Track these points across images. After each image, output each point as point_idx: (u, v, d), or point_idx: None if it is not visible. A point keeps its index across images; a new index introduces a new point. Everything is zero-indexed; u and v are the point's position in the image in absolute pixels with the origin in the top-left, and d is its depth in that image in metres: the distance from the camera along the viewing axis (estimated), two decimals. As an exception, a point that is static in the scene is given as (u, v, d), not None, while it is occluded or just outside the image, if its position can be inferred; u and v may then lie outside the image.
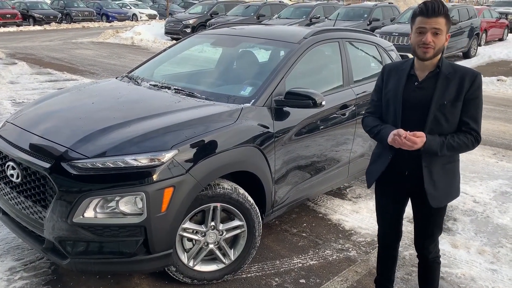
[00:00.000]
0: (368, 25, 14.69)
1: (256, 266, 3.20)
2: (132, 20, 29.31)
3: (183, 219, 2.66)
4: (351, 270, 3.22)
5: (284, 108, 3.22)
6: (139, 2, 36.12)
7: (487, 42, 16.65)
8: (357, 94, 3.93)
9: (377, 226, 3.88)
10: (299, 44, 3.56)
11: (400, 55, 13.14)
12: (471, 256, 3.47)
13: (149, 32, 20.88)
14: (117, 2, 33.23)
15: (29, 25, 25.48)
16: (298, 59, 3.47)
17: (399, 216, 2.60)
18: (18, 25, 24.61)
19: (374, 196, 4.47)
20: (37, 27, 24.75)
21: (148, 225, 2.44)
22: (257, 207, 2.95)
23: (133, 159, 2.44)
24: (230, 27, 4.25)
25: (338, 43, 3.96)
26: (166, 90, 3.31)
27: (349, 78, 3.94)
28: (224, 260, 2.91)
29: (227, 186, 2.79)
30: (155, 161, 2.45)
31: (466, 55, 14.04)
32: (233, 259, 2.93)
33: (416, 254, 2.63)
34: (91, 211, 2.42)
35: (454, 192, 2.38)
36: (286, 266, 3.23)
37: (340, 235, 3.75)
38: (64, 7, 28.36)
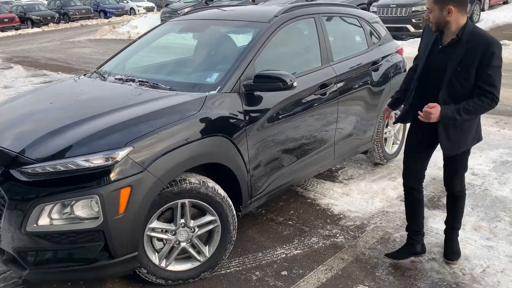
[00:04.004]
0: (365, -2, 14.30)
1: (237, 260, 3.06)
2: (130, 14, 29.10)
3: (149, 219, 2.52)
4: (337, 258, 3.06)
5: (255, 93, 3.04)
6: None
7: (491, 6, 16.09)
8: (339, 72, 3.72)
9: (367, 208, 3.76)
10: (269, 23, 3.35)
11: (398, 27, 12.72)
12: (466, 233, 3.28)
13: (146, 25, 20.62)
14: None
15: (28, 27, 25.50)
16: (269, 39, 3.27)
17: (423, 161, 2.89)
18: (16, 29, 24.64)
19: (366, 176, 4.34)
20: (36, 29, 24.73)
21: (106, 229, 2.31)
22: (229, 200, 2.80)
23: (84, 160, 2.29)
24: (200, 11, 4.05)
25: (314, 19, 3.74)
26: (131, 83, 3.15)
27: (327, 55, 3.73)
28: (198, 258, 2.76)
29: (195, 180, 2.64)
30: (108, 161, 2.30)
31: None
32: (208, 256, 2.79)
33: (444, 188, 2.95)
34: (46, 219, 2.29)
35: (469, 141, 2.68)
36: (269, 258, 3.08)
37: (328, 220, 3.58)
38: (61, 7, 28.30)
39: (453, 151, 2.68)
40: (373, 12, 12.43)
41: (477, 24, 13.52)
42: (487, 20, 13.91)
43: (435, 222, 3.47)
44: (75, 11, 27.97)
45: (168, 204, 2.57)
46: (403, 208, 3.63)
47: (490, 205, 3.70)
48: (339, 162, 4.28)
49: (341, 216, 3.64)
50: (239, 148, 2.88)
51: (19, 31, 24.12)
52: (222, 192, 2.74)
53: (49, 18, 26.26)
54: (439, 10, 2.47)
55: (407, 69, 4.38)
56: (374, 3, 12.73)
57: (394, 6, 12.14)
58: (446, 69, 2.50)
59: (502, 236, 3.25)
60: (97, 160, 2.30)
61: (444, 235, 3.09)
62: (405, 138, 2.96)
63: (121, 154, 2.32)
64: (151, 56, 3.73)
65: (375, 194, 3.99)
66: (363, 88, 4.00)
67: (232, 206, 2.82)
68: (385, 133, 4.53)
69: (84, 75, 3.70)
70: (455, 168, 2.82)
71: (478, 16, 13.95)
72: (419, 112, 2.51)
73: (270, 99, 3.11)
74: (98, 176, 2.28)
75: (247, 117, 2.93)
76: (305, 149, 3.52)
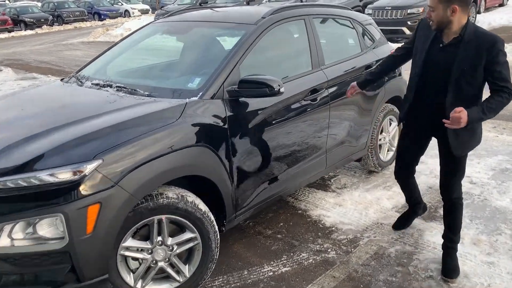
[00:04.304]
0: (360, 0, 14.15)
1: (221, 279, 2.86)
2: (124, 17, 28.85)
3: (122, 237, 2.32)
4: (328, 276, 2.86)
5: (240, 99, 2.84)
6: (131, -2, 35.62)
7: (487, 9, 15.98)
8: (330, 77, 3.53)
9: (361, 220, 3.58)
10: (255, 25, 3.16)
11: (393, 29, 12.52)
12: (465, 247, 3.09)
13: (139, 27, 20.43)
14: (108, -1, 32.82)
15: (21, 30, 25.20)
16: (256, 42, 3.07)
17: (417, 155, 3.00)
18: (9, 31, 24.34)
19: (360, 185, 4.15)
20: (29, 32, 24.45)
21: (72, 250, 2.10)
22: (211, 216, 2.60)
23: (49, 174, 2.09)
24: (186, 13, 3.85)
25: (304, 20, 3.55)
26: (108, 88, 2.94)
27: (318, 59, 3.53)
28: (178, 278, 2.56)
29: (172, 195, 2.44)
30: (75, 175, 2.09)
31: (465, 24, 13.44)
32: (188, 276, 2.58)
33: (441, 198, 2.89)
34: (6, 239, 2.08)
35: (475, 142, 2.67)
36: (255, 276, 2.88)
37: (319, 233, 3.38)
38: (55, 9, 28.03)
39: (463, 151, 2.66)
40: (368, 14, 12.29)
41: (474, 27, 13.42)
42: (483, 23, 13.76)
43: (432, 235, 3.28)
44: (69, 14, 27.71)
45: (143, 221, 2.37)
46: (393, 218, 3.48)
47: (489, 217, 3.51)
48: (332, 170, 4.08)
49: (333, 228, 3.44)
50: (222, 158, 2.68)
51: (12, 34, 23.82)
52: (203, 207, 2.54)
53: (42, 20, 25.97)
54: (443, 9, 2.42)
55: (402, 72, 4.24)
56: (369, 5, 12.57)
57: (390, 8, 11.97)
58: (450, 68, 2.47)
59: (503, 251, 3.06)
60: (63, 175, 2.09)
61: (442, 250, 2.92)
62: (400, 132, 3.02)
63: (89, 167, 2.11)
64: (133, 60, 3.53)
65: (369, 204, 3.80)
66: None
67: (214, 222, 2.62)
68: (380, 139, 4.34)
69: (62, 79, 3.50)
70: (454, 171, 2.74)
71: (474, 19, 13.81)
72: (444, 120, 2.42)
73: (257, 105, 2.92)
74: (63, 192, 2.07)
75: (231, 125, 2.73)
76: (295, 158, 3.32)
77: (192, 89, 2.77)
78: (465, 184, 4.03)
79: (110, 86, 2.97)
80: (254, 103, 2.90)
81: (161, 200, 2.39)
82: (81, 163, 2.12)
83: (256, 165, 2.97)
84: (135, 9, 30.39)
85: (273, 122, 3.05)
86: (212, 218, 2.60)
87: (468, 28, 2.46)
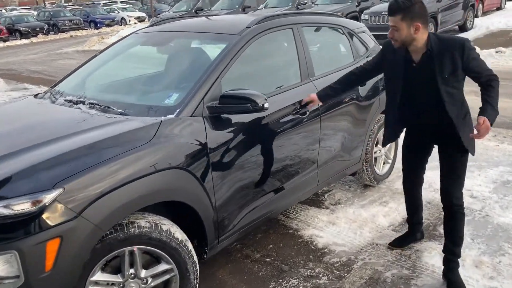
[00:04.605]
0: (356, 6, 13.97)
1: (203, 311, 2.65)
2: (121, 25, 28.72)
3: (90, 271, 2.11)
4: (318, 305, 2.65)
5: (222, 116, 2.64)
6: (128, 6, 35.58)
7: (484, 13, 15.85)
8: (321, 88, 3.33)
9: (355, 240, 3.36)
10: (239, 35, 2.96)
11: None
12: (466, 270, 2.88)
13: (135, 35, 20.27)
14: (104, 8, 32.74)
15: (16, 39, 25.03)
16: (239, 54, 2.88)
17: (422, 164, 2.99)
18: (4, 41, 24.19)
19: (355, 201, 3.94)
20: (24, 41, 24.30)
21: (29, 291, 1.89)
22: (189, 245, 2.38)
23: (2, 206, 1.88)
24: (169, 22, 3.66)
25: (292, 30, 3.36)
26: (80, 105, 2.74)
27: (308, 70, 3.34)
28: (153, 313, 2.34)
29: (145, 223, 2.22)
30: (32, 207, 1.88)
31: (463, 28, 13.27)
32: (164, 310, 2.37)
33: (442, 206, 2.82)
34: (-45, 279, 1.87)
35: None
36: (240, 307, 2.67)
37: (310, 256, 3.17)
38: (50, 18, 27.95)
39: (474, 148, 2.66)
40: (364, 20, 12.12)
41: (471, 31, 13.23)
42: (481, 27, 13.62)
43: (430, 257, 3.07)
44: (65, 22, 27.58)
45: (113, 253, 2.16)
46: (394, 237, 3.27)
47: (492, 235, 3.30)
48: (324, 186, 3.88)
49: (325, 250, 3.23)
50: (202, 181, 2.47)
51: (7, 43, 23.66)
52: (180, 235, 2.33)
53: (38, 29, 25.82)
54: (407, 27, 2.47)
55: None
56: (366, 11, 12.39)
57: (386, 13, 11.75)
58: (434, 81, 2.51)
59: (507, 274, 2.85)
60: (19, 206, 1.88)
61: (442, 269, 2.81)
62: (402, 146, 2.99)
63: (48, 197, 1.90)
64: (111, 73, 3.33)
65: (364, 222, 3.58)
66: (348, 105, 3.62)
67: (193, 252, 2.40)
68: (375, 152, 4.14)
69: (36, 95, 3.30)
70: (456, 174, 2.72)
71: (471, 23, 13.67)
72: (472, 135, 2.49)
73: (241, 122, 2.72)
74: (19, 226, 1.86)
75: (211, 145, 2.53)
76: (284, 175, 3.12)
77: (169, 106, 2.57)
78: (465, 198, 3.78)
79: (83, 102, 2.77)
80: (237, 120, 2.70)
81: (132, 229, 2.18)
82: (39, 192, 1.91)
83: (241, 186, 2.76)
84: (131, 17, 30.27)
85: (259, 139, 2.86)
86: (190, 247, 2.39)
87: (432, 40, 2.51)
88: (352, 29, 3.98)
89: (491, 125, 2.42)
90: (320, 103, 3.16)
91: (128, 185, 2.13)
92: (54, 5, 51.26)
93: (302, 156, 3.24)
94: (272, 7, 16.32)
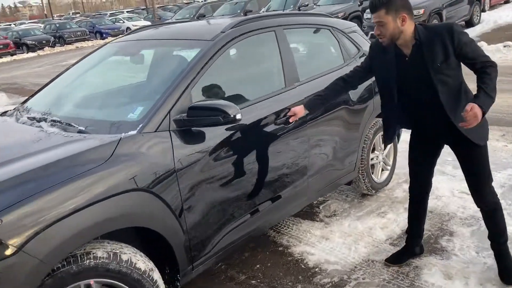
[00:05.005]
0: (359, 5, 13.72)
1: None
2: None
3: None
4: (304, 335, 2.40)
5: (193, 129, 2.42)
6: (134, 15, 35.73)
7: (492, 6, 15.47)
8: (306, 94, 3.09)
9: (349, 257, 3.10)
10: (212, 41, 2.74)
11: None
12: (470, 289, 2.62)
13: (138, 44, 20.22)
14: (110, 18, 32.89)
15: (23, 52, 25.23)
16: (213, 61, 2.66)
17: (430, 168, 2.80)
18: (12, 55, 24.40)
19: (351, 212, 3.69)
20: (31, 54, 24.49)
21: None
22: (154, 275, 2.15)
23: None
24: (144, 31, 3.45)
25: (275, 32, 3.13)
26: (42, 123, 2.54)
27: (292, 75, 3.11)
28: None
29: (102, 254, 2.00)
30: (-36, 243, 1.68)
31: (469, 23, 12.90)
32: None
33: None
34: None
35: (485, 122, 2.47)
36: (218, 338, 2.44)
37: (300, 276, 2.92)
38: (56, 30, 28.13)
39: (485, 136, 2.51)
40: (367, 19, 11.85)
41: (478, 26, 12.86)
42: (488, 21, 13.24)
43: (431, 275, 2.80)
44: (70, 34, 27.74)
45: (67, 288, 1.94)
46: (392, 253, 3.02)
47: (499, 247, 3.02)
48: (316, 199, 3.63)
49: (316, 270, 2.98)
50: (169, 203, 2.25)
51: (14, 57, 23.87)
52: (143, 265, 2.10)
53: (44, 42, 25.99)
54: (393, 20, 2.36)
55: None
56: (368, 10, 12.09)
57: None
58: (426, 72, 2.39)
59: (517, 293, 2.57)
60: (-51, 243, 1.68)
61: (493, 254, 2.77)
62: (408, 148, 2.81)
63: (-18, 232, 1.70)
64: (81, 87, 3.12)
65: (360, 236, 3.33)
66: (339, 110, 3.37)
67: (159, 282, 2.18)
68: (372, 159, 3.88)
69: (4, 113, 3.12)
70: (478, 170, 2.56)
71: (478, 18, 13.29)
72: (460, 124, 2.28)
73: (215, 134, 2.50)
74: None
75: (180, 162, 2.31)
76: (267, 191, 2.88)
77: (132, 121, 2.35)
78: (470, 207, 3.57)
79: (45, 120, 2.57)
80: (211, 133, 2.48)
81: (87, 261, 1.96)
82: (-28, 226, 1.70)
83: (217, 207, 2.53)
84: (136, 26, 30.28)
85: (237, 153, 2.62)
86: (156, 277, 2.16)
87: (419, 30, 2.41)
88: (341, 29, 3.73)
89: (485, 113, 2.25)
90: (306, 114, 2.92)
91: (80, 212, 1.92)
92: (62, 18, 51.85)
93: (288, 168, 3.00)
94: (273, 10, 16.15)
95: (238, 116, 2.34)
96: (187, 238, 2.36)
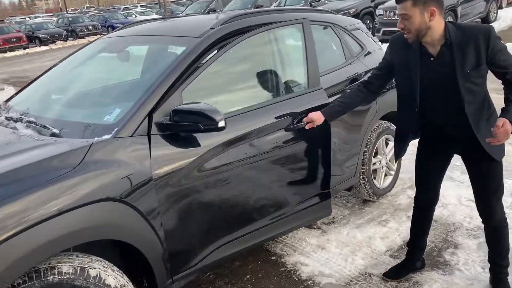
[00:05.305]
0: (372, 1, 13.40)
1: None
2: (138, 28, 28.77)
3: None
4: None
5: (181, 134, 2.26)
6: (146, 9, 35.72)
7: (510, 3, 15.01)
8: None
9: (345, 269, 2.92)
10: (200, 38, 2.57)
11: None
12: (474, 311, 2.42)
13: (149, 38, 20.15)
14: (123, 12, 32.91)
15: (36, 46, 25.34)
16: (199, 60, 2.49)
17: (438, 180, 2.59)
18: (24, 48, 24.50)
19: (351, 219, 3.50)
20: (43, 48, 24.59)
21: None
22: (126, 291, 2.00)
23: None
24: (132, 27, 3.29)
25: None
26: (17, 124, 2.40)
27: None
28: None
29: (67, 269, 1.85)
30: None
31: (485, 21, 12.52)
32: None
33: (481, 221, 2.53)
34: None
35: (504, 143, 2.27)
36: None
37: (291, 290, 2.76)
38: (69, 24, 28.22)
39: (502, 151, 2.31)
40: (379, 15, 11.57)
41: (494, 24, 12.44)
42: (505, 18, 12.85)
43: (432, 292, 2.61)
44: (83, 28, 27.77)
45: (28, 306, 1.80)
46: (391, 266, 2.83)
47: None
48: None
49: (309, 282, 2.80)
50: (146, 214, 2.09)
51: (27, 50, 23.97)
52: (112, 281, 1.95)
53: (56, 35, 26.06)
54: (420, 14, 2.12)
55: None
56: (380, 6, 11.82)
57: (402, 7, 11.19)
58: (453, 78, 2.16)
59: (524, 316, 2.37)
60: None
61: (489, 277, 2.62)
62: (416, 155, 2.60)
63: None
64: (65, 85, 2.98)
65: (358, 246, 3.14)
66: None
67: (131, 299, 2.03)
68: (374, 163, 3.67)
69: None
70: (491, 185, 2.36)
71: (495, 15, 12.91)
72: (488, 140, 2.11)
73: (203, 141, 2.32)
74: None
75: (158, 169, 2.14)
76: (259, 206, 2.68)
77: (108, 124, 2.19)
78: (477, 217, 3.31)
79: (21, 120, 2.43)
80: (200, 138, 2.31)
81: (51, 277, 1.81)
82: None
83: (200, 219, 2.36)
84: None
85: (227, 160, 2.44)
86: (127, 294, 2.01)
87: (450, 29, 2.16)
88: (343, 26, 3.53)
89: None
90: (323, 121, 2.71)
91: (43, 224, 1.77)
92: (76, 12, 52.14)
93: (283, 177, 2.81)
94: (287, 5, 15.91)
95: (221, 124, 2.16)
96: (167, 250, 2.20)
